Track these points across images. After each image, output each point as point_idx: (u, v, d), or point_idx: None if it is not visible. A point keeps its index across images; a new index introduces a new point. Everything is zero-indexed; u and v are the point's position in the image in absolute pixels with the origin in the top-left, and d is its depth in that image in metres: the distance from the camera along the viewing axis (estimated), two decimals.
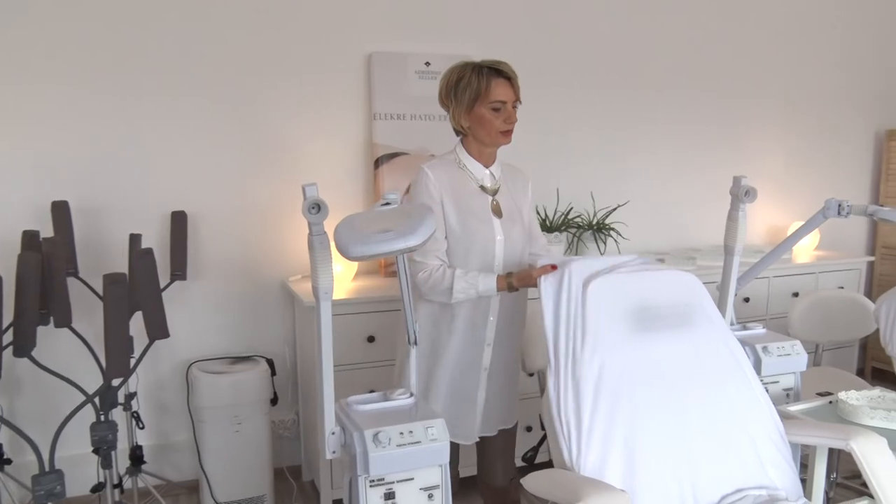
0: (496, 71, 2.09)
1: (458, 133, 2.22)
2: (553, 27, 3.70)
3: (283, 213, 3.31)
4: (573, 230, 3.61)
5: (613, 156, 3.93)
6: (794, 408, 2.15)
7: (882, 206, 2.25)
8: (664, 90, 4.02)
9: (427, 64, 3.41)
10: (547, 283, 1.86)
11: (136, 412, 2.94)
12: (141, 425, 2.96)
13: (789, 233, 4.23)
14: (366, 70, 3.37)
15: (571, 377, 1.74)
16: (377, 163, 3.36)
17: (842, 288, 4.05)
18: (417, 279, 2.10)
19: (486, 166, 2.20)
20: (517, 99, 2.13)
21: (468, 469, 2.55)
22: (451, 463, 2.23)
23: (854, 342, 4.17)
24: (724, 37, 4.13)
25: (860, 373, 4.53)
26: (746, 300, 3.78)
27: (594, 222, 3.63)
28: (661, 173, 4.07)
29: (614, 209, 3.74)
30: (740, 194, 2.21)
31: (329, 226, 1.54)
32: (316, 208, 1.51)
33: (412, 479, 1.67)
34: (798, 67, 4.39)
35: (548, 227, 3.49)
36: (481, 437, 2.30)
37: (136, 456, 2.93)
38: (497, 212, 2.18)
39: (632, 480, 1.70)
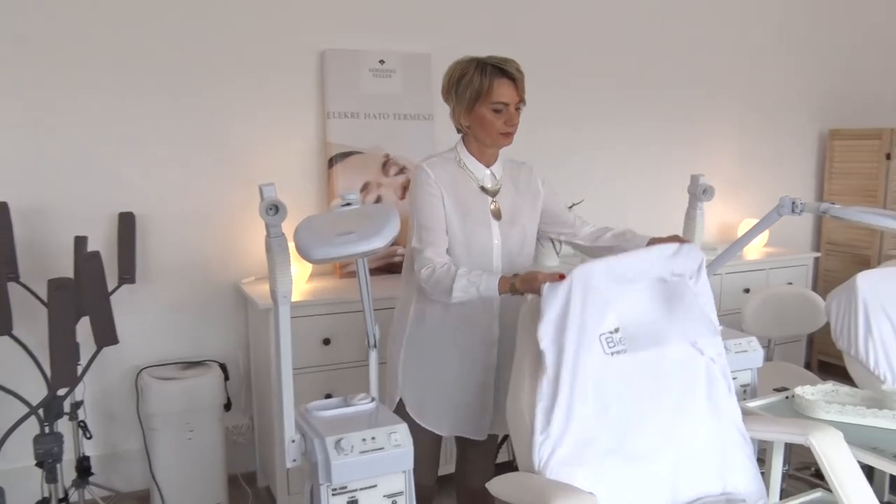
0: (500, 70, 1.99)
1: (458, 131, 2.14)
2: (508, 23, 3.69)
3: (235, 214, 3.23)
4: None
5: (567, 153, 3.94)
6: (753, 404, 2.17)
7: (833, 203, 2.28)
8: (618, 87, 4.05)
9: (381, 62, 3.37)
10: (551, 293, 1.75)
11: (82, 422, 2.83)
12: (88, 435, 2.86)
13: (740, 230, 4.32)
14: (318, 68, 3.31)
15: (549, 382, 1.71)
16: (331, 162, 3.31)
17: (791, 284, 4.13)
18: (421, 276, 1.98)
19: (488, 166, 2.12)
20: (521, 100, 2.04)
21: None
22: (431, 462, 2.22)
23: (803, 337, 4.26)
24: (678, 36, 4.18)
25: (808, 366, 4.63)
26: None
27: None
28: (616, 171, 4.10)
29: (570, 207, 3.73)
30: (698, 192, 2.22)
31: (285, 228, 1.50)
32: (274, 209, 1.46)
33: (375, 486, 1.63)
34: (749, 68, 4.47)
35: None
36: (463, 438, 2.26)
37: (84, 467, 2.83)
38: (496, 214, 2.11)
39: (598, 485, 1.69)
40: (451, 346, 2.11)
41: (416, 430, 2.11)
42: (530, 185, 2.20)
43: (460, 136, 2.14)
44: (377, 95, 3.36)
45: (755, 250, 4.31)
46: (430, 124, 3.45)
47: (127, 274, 2.93)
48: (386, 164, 3.37)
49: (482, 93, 1.98)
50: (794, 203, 2.33)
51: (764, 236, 4.33)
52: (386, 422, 1.71)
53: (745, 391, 2.42)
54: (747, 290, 3.97)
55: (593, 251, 2.22)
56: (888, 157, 4.45)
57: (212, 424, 3.00)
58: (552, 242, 3.61)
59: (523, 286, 1.86)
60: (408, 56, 3.41)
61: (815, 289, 4.56)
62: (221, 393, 3.06)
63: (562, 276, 1.76)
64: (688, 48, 4.23)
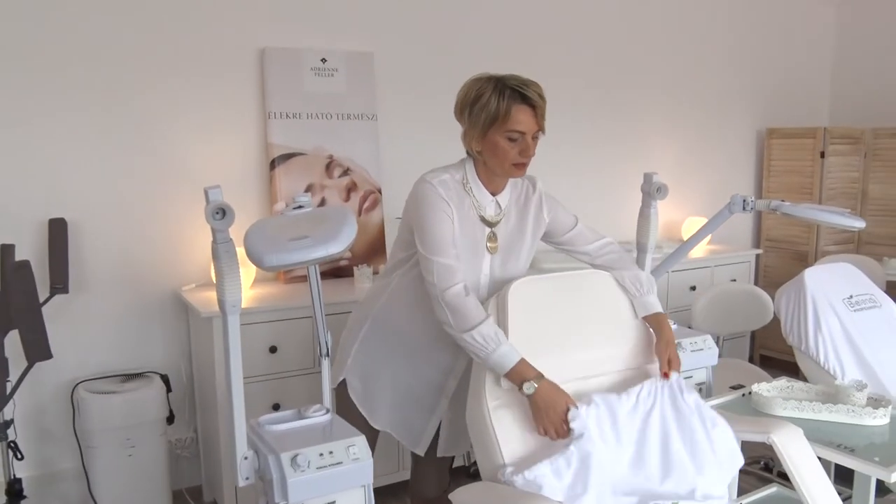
0: (520, 94, 1.82)
1: (468, 154, 1.97)
2: (451, 20, 3.64)
3: (174, 219, 3.10)
4: None
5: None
6: (712, 403, 2.17)
7: (783, 201, 2.30)
8: (559, 86, 4.03)
9: (323, 60, 3.28)
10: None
11: (13, 442, 2.66)
12: (19, 456, 2.69)
13: (684, 228, 4.37)
14: (259, 66, 3.20)
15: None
16: (273, 164, 3.20)
17: (734, 280, 4.19)
18: (440, 287, 1.79)
19: (494, 194, 1.97)
20: (539, 129, 1.87)
21: (391, 477, 2.45)
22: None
23: (748, 333, 4.32)
24: (618, 33, 4.20)
25: (751, 360, 4.72)
26: None
27: None
28: (559, 169, 4.09)
29: None
30: (652, 191, 2.21)
31: (232, 232, 1.41)
32: (221, 213, 1.37)
33: (334, 502, 1.56)
34: (688, 66, 4.52)
35: None
36: None
37: (15, 491, 2.66)
38: (492, 249, 1.96)
39: (568, 495, 1.65)
40: (411, 355, 2.04)
41: (352, 414, 2.07)
42: (537, 215, 2.05)
43: (469, 157, 1.98)
44: (320, 95, 3.27)
45: (699, 248, 4.35)
46: (374, 124, 3.38)
47: (59, 283, 2.78)
48: (330, 166, 3.28)
49: (498, 118, 1.82)
50: (745, 201, 2.34)
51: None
52: (343, 434, 1.64)
53: (700, 389, 2.42)
54: (693, 288, 4.01)
55: (595, 267, 2.11)
56: (822, 155, 4.55)
57: (154, 439, 2.88)
58: None
59: (537, 400, 1.71)
60: (350, 54, 3.33)
61: (756, 285, 4.64)
62: (164, 405, 2.94)
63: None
64: (627, 46, 4.25)
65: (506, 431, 1.70)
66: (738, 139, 4.86)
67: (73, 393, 2.88)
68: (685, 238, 4.35)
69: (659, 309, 2.02)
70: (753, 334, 4.76)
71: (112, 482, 2.78)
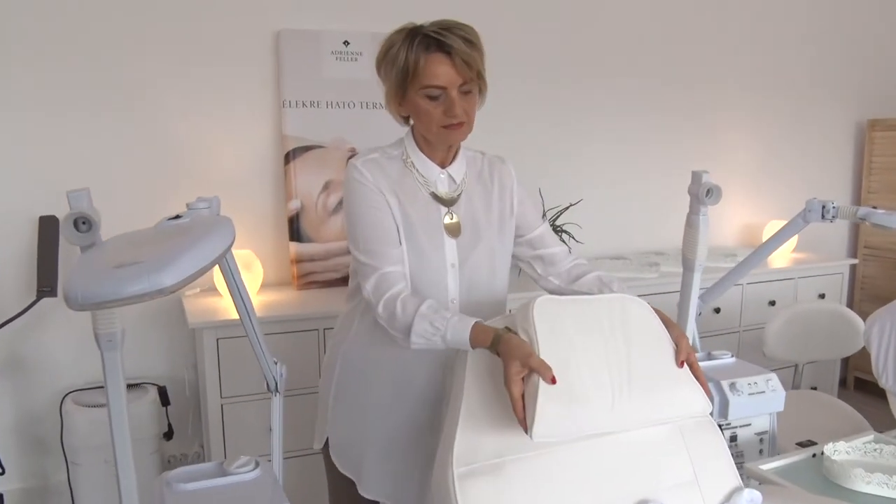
0: (435, 41, 1.49)
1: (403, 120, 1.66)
2: (494, 7, 3.24)
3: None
4: None
5: (564, 149, 3.49)
6: (769, 465, 1.71)
7: (876, 207, 1.81)
8: (621, 77, 3.58)
9: (346, 43, 2.94)
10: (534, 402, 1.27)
11: None
12: (1, 470, 2.48)
13: (765, 233, 3.83)
14: (273, 51, 2.89)
15: None
16: (287, 158, 2.89)
17: (822, 296, 3.64)
18: (370, 298, 1.52)
19: (443, 166, 1.63)
20: (465, 81, 1.51)
21: None
22: None
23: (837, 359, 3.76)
24: (691, 20, 3.70)
25: (843, 383, 4.13)
26: (717, 311, 3.35)
27: None
28: (618, 168, 3.63)
29: (566, 208, 3.28)
30: (701, 194, 1.77)
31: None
32: (86, 224, 1.04)
33: None
34: (770, 53, 3.96)
35: None
36: None
37: None
38: (453, 230, 1.62)
39: None
40: (393, 395, 1.66)
41: (338, 480, 1.71)
42: (504, 193, 1.71)
43: (409, 127, 1.65)
44: (341, 81, 2.93)
45: (782, 257, 3.81)
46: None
47: (47, 286, 2.55)
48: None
49: (409, 73, 1.50)
50: (824, 207, 1.86)
51: (792, 240, 3.83)
52: (272, 499, 1.29)
53: (761, 440, 1.96)
54: (773, 303, 3.48)
55: (565, 293, 1.65)
56: None
57: (146, 458, 2.62)
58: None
59: (505, 356, 1.32)
60: (376, 36, 2.96)
61: (850, 301, 4.06)
62: (158, 420, 2.70)
63: (553, 381, 1.27)
64: (699, 31, 3.74)
65: None
66: (832, 132, 4.26)
67: (62, 404, 2.65)
68: None
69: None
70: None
71: (97, 502, 2.54)
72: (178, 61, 2.77)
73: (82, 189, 1.07)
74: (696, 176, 1.79)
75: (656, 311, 1.49)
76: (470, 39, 1.51)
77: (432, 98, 1.51)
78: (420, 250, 1.57)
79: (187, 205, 1.17)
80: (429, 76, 1.49)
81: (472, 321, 1.41)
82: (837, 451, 1.71)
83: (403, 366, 1.63)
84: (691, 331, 1.92)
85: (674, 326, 1.50)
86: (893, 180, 4.15)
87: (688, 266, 1.87)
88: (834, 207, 1.85)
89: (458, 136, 1.56)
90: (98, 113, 2.69)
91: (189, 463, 2.93)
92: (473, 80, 1.53)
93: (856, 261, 4.01)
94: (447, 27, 1.50)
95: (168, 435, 2.81)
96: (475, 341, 1.39)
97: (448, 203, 1.62)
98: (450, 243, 1.61)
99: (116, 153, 2.73)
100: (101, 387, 2.69)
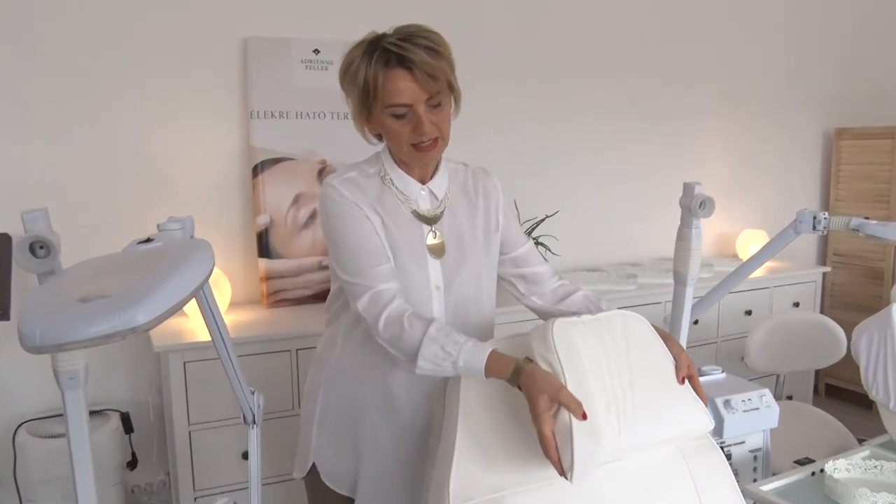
0: (396, 56, 1.36)
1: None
2: (467, 8, 3.18)
3: (139, 233, 2.69)
4: None
5: (538, 159, 3.42)
6: (769, 486, 1.65)
7: (867, 218, 1.77)
8: (595, 86, 3.53)
9: (316, 52, 2.84)
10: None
11: None
12: None
13: (738, 242, 3.82)
14: (240, 59, 2.78)
15: None
16: (256, 170, 2.78)
17: (797, 304, 3.63)
18: (366, 316, 1.41)
19: (423, 182, 1.53)
20: (432, 95, 1.39)
21: None
22: None
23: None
24: (666, 29, 3.67)
25: (815, 389, 4.13)
26: (695, 322, 3.31)
27: None
28: (594, 178, 3.59)
29: (541, 220, 3.22)
30: (694, 206, 1.71)
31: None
32: (44, 249, 0.93)
33: None
34: (741, 63, 3.96)
35: None
36: None
37: None
38: (436, 250, 1.51)
39: None
40: (386, 423, 1.56)
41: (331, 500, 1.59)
42: (489, 206, 1.61)
43: (384, 143, 1.54)
44: (311, 91, 2.83)
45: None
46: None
47: (0, 309, 2.40)
48: (322, 172, 2.85)
49: (369, 92, 1.39)
50: (815, 218, 1.82)
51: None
52: None
53: (755, 457, 1.90)
54: (749, 313, 3.46)
55: (551, 315, 1.56)
56: None
57: (109, 489, 2.48)
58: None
59: (527, 389, 1.22)
60: (348, 45, 2.86)
61: (822, 309, 4.06)
62: (121, 448, 2.57)
63: (584, 416, 1.19)
64: (673, 40, 3.72)
65: None
66: (801, 141, 4.28)
67: (14, 434, 2.49)
68: (740, 254, 3.81)
69: None
70: None
71: None
72: (140, 71, 2.64)
73: (39, 209, 0.97)
74: (688, 188, 1.73)
75: (654, 327, 1.43)
76: (433, 48, 1.39)
77: (398, 117, 1.40)
78: (405, 272, 1.47)
79: (158, 226, 1.07)
80: (391, 94, 1.37)
81: (489, 348, 1.31)
82: (838, 468, 1.66)
83: (389, 390, 1.53)
84: (684, 347, 1.86)
85: (673, 342, 1.44)
86: (860, 188, 4.17)
87: (680, 280, 1.81)
88: (826, 218, 1.81)
89: (433, 154, 1.46)
90: (54, 126, 2.55)
91: (155, 493, 2.80)
92: (442, 92, 1.41)
93: (828, 269, 4.02)
94: (408, 36, 1.38)
95: (132, 464, 2.67)
96: (491, 371, 1.28)
97: (431, 221, 1.52)
98: (434, 264, 1.51)
99: (74, 169, 2.59)
100: (59, 415, 2.57)
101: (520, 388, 1.24)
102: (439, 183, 1.55)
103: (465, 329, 1.50)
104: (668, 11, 3.67)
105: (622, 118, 3.62)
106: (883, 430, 1.99)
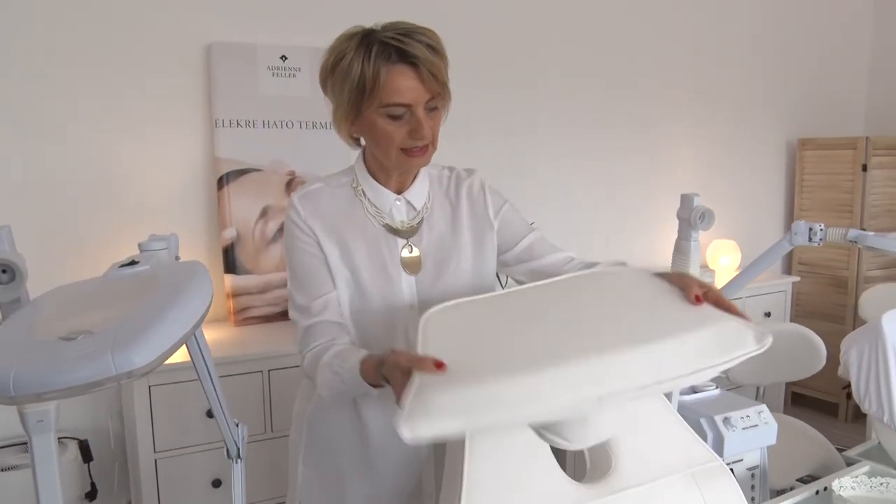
0: (397, 50, 1.26)
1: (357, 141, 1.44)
2: (440, 14, 3.10)
3: (95, 250, 2.54)
4: None
5: (509, 171, 3.36)
6: None
7: (865, 230, 1.74)
8: (566, 94, 3.49)
9: (283, 58, 2.74)
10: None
11: None
12: None
13: (709, 253, 3.81)
14: (204, 65, 2.66)
15: None
16: (220, 182, 2.65)
17: (769, 314, 3.63)
18: (303, 360, 1.37)
19: (399, 192, 1.43)
20: (433, 97, 1.31)
21: None
22: None
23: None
24: (635, 39, 3.65)
25: (784, 401, 4.15)
26: None
27: None
28: (565, 190, 3.54)
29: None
30: (693, 218, 1.65)
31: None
32: (7, 273, 0.81)
33: None
34: (708, 72, 3.96)
35: None
36: None
37: None
38: (411, 266, 1.41)
39: None
40: (367, 465, 1.44)
41: None
42: (475, 208, 1.48)
43: (361, 149, 1.44)
44: (278, 99, 2.72)
45: (727, 276, 3.78)
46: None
47: None
48: (291, 184, 2.74)
49: (366, 89, 1.27)
50: (811, 230, 1.78)
51: (735, 260, 3.82)
52: None
53: (752, 475, 1.85)
54: None
55: None
56: (864, 168, 3.99)
57: None
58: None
59: (391, 376, 1.11)
60: (316, 51, 2.76)
61: (791, 318, 4.07)
62: (80, 478, 2.40)
63: (440, 366, 1.02)
64: (643, 50, 3.70)
65: None
66: (765, 151, 4.30)
67: None
68: (710, 264, 3.79)
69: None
70: None
71: None
72: (98, 76, 2.51)
73: (1, 227, 0.84)
74: (686, 199, 1.67)
75: (667, 272, 1.31)
76: (433, 46, 1.30)
77: (394, 117, 1.29)
78: (367, 294, 1.37)
79: (140, 245, 0.94)
80: (392, 92, 1.26)
81: (362, 354, 1.23)
82: (843, 486, 1.62)
83: (370, 427, 1.42)
84: None
85: (679, 276, 1.28)
86: (824, 198, 4.21)
87: None
88: (822, 230, 1.77)
89: (423, 160, 1.36)
90: (7, 139, 2.40)
91: None
92: (440, 95, 1.32)
93: (797, 278, 4.03)
94: (406, 32, 1.28)
95: (90, 495, 2.50)
96: (366, 375, 1.20)
97: (405, 234, 1.42)
98: (408, 281, 1.40)
99: (28, 186, 2.44)
100: (8, 445, 2.40)
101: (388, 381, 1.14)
102: (418, 192, 1.44)
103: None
104: (638, 24, 3.65)
105: (591, 126, 3.58)
106: (854, 439, 1.97)
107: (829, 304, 4.18)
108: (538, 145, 3.43)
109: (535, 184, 3.43)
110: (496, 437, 1.20)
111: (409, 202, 1.43)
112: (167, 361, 2.01)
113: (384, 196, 1.41)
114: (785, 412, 3.34)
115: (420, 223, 1.43)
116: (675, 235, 1.72)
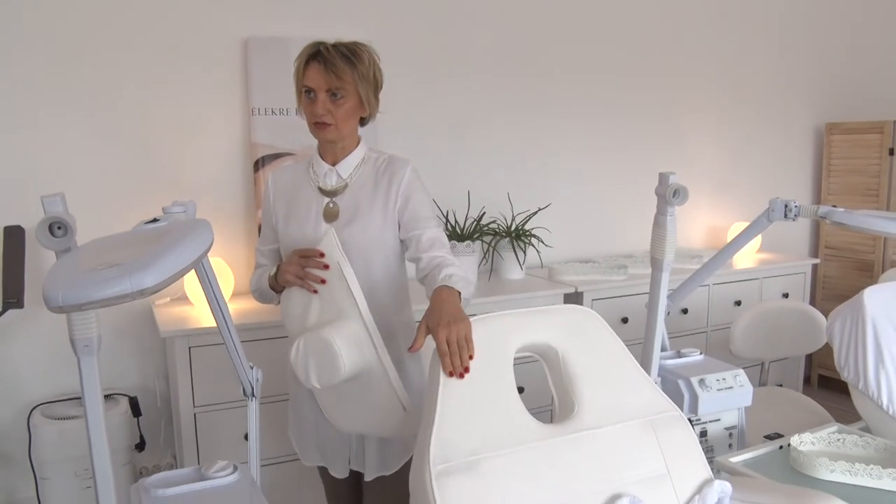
0: (318, 54, 1.76)
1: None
2: (459, 8, 3.27)
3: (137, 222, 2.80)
4: (488, 238, 3.17)
5: (532, 153, 3.53)
6: (738, 458, 1.75)
7: (835, 206, 1.87)
8: (587, 79, 3.63)
9: None
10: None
11: None
12: None
13: (730, 234, 3.91)
14: (241, 58, 2.89)
15: None
16: (257, 165, 2.89)
17: (786, 295, 3.72)
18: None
19: (333, 164, 1.87)
20: (330, 89, 1.74)
21: None
22: None
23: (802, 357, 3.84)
24: (659, 22, 3.77)
25: (807, 381, 4.22)
26: (685, 311, 3.41)
27: (512, 228, 3.20)
28: (586, 171, 3.69)
29: (535, 213, 3.33)
30: (668, 194, 1.81)
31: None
32: (61, 229, 1.04)
33: None
34: (736, 58, 4.05)
35: (458, 235, 3.05)
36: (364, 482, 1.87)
37: None
38: (329, 215, 1.83)
39: None
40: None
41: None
42: (391, 187, 1.85)
43: None
44: None
45: (747, 258, 3.89)
46: (372, 121, 3.02)
47: (14, 297, 2.51)
48: None
49: (298, 78, 1.80)
50: (786, 206, 1.92)
51: (756, 241, 3.91)
52: (251, 500, 1.29)
53: (730, 434, 2.00)
54: (738, 303, 3.56)
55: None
56: (891, 152, 4.03)
57: (118, 469, 2.58)
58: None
59: (285, 266, 1.78)
60: None
61: (813, 300, 4.15)
62: (130, 431, 2.67)
63: (322, 256, 1.73)
64: (665, 37, 3.81)
65: None
66: (793, 136, 4.36)
67: (29, 417, 2.61)
68: None
69: (448, 284, 1.64)
70: (811, 353, 4.27)
71: None
72: (146, 66, 2.76)
73: (56, 193, 1.07)
74: (662, 177, 1.83)
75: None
76: (347, 54, 1.75)
77: (307, 96, 1.77)
78: (294, 238, 1.84)
79: (163, 209, 1.17)
80: (307, 78, 1.76)
81: (273, 270, 1.82)
82: (803, 442, 1.76)
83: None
84: (660, 330, 1.96)
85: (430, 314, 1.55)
86: (851, 182, 4.26)
87: (656, 266, 1.91)
88: (796, 206, 1.90)
89: (326, 134, 1.79)
90: (63, 121, 2.67)
91: None
92: (343, 90, 1.74)
93: (817, 260, 4.10)
94: (335, 45, 1.76)
95: (140, 446, 2.78)
96: (271, 281, 1.84)
97: (330, 194, 1.85)
98: (324, 226, 1.83)
99: (83, 161, 2.71)
100: (71, 399, 2.69)
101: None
102: (346, 165, 1.86)
103: (370, 280, 1.80)
104: (659, 9, 3.77)
105: (614, 114, 3.71)
106: None
107: (854, 287, 4.21)
108: (564, 131, 3.58)
109: (559, 167, 3.58)
110: (468, 379, 1.40)
111: (338, 173, 1.86)
112: (207, 325, 2.24)
113: (321, 166, 1.88)
114: (807, 393, 3.43)
115: (345, 187, 1.85)
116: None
